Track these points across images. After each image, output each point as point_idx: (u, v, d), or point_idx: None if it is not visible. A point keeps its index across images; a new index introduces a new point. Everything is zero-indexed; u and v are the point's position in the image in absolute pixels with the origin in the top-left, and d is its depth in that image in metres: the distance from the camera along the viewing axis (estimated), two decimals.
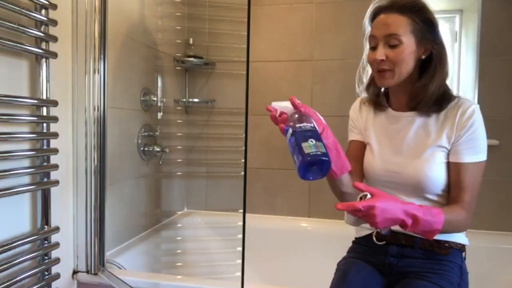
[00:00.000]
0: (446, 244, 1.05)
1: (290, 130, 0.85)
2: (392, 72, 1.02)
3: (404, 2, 1.00)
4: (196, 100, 2.28)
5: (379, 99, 1.14)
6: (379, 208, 0.82)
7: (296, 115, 0.87)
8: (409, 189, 1.05)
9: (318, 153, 0.80)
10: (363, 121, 1.17)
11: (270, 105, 0.89)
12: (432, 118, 1.06)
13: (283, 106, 0.90)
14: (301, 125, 0.85)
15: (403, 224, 0.86)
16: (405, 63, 1.02)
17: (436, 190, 1.03)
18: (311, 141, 0.81)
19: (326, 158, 0.80)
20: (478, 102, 1.92)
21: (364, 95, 1.20)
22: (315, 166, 0.81)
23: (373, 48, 1.04)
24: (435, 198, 1.04)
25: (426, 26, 1.01)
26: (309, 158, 0.79)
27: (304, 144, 0.81)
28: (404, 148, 1.07)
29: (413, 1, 1.01)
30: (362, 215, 0.84)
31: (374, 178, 1.11)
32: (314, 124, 0.86)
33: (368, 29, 1.09)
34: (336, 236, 1.51)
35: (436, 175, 1.02)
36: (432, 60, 1.04)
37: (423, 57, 1.04)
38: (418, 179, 1.02)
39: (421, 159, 1.03)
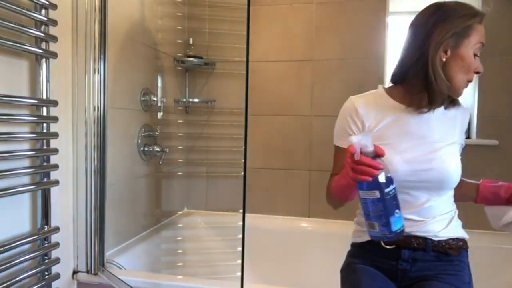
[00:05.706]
0: (460, 243, 1.05)
1: (378, 194, 0.83)
2: None
3: None
4: (196, 100, 2.28)
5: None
6: None
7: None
8: (432, 185, 1.02)
9: (402, 229, 0.85)
10: (375, 123, 1.07)
11: (352, 144, 0.84)
12: (446, 114, 1.09)
13: (359, 140, 0.84)
14: (388, 189, 0.84)
15: None
16: None
17: (454, 184, 1.05)
18: (397, 214, 0.84)
19: (405, 233, 0.90)
20: (478, 102, 1.94)
21: (381, 87, 1.13)
22: None
23: (475, 56, 1.02)
24: (449, 192, 1.07)
25: None
26: (394, 235, 0.85)
27: (392, 218, 0.83)
28: (429, 144, 1.04)
29: None
30: None
31: (398, 180, 1.01)
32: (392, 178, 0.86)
33: (471, 28, 1.00)
34: (336, 236, 1.51)
35: (458, 168, 1.04)
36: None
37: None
38: (445, 172, 1.01)
39: (447, 152, 1.03)
